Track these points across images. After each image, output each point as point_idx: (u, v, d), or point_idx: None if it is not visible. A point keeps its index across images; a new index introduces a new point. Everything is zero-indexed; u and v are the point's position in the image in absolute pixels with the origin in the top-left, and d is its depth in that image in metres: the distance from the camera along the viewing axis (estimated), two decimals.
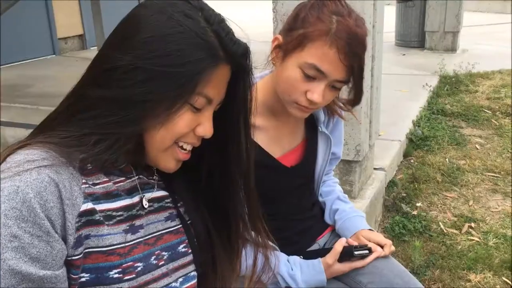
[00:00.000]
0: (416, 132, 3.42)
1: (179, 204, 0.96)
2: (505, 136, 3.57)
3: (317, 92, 1.15)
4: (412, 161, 3.22)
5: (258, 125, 1.29)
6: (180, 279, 0.92)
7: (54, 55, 6.73)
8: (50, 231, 0.73)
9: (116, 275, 0.81)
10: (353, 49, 1.12)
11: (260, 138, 1.29)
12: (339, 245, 1.31)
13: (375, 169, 2.74)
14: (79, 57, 6.59)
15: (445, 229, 2.56)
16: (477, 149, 3.41)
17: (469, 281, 2.21)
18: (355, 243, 1.36)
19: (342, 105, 1.41)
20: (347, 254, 1.29)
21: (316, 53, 1.13)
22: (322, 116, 1.40)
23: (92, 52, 6.83)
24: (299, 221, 1.46)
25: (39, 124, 0.86)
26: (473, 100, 4.21)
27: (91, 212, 0.79)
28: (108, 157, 0.79)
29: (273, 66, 1.29)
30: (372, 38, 2.30)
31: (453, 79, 4.64)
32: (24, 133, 3.70)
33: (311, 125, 1.42)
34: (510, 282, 2.18)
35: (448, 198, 2.85)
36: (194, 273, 0.96)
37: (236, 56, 0.83)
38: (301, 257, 1.39)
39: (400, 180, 2.97)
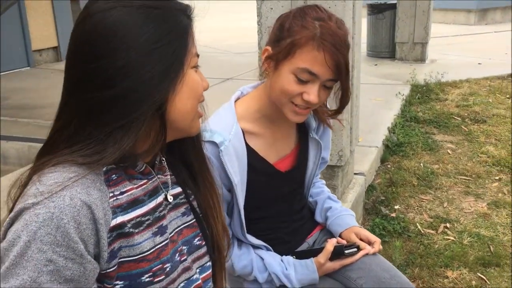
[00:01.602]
0: (391, 139, 3.57)
1: (191, 199, 1.03)
2: (475, 142, 3.75)
3: (312, 93, 1.25)
4: (389, 166, 3.36)
5: (254, 131, 1.38)
6: (198, 270, 0.98)
7: (28, 67, 6.68)
8: (83, 253, 0.78)
9: (148, 279, 0.87)
10: (338, 49, 1.22)
11: (256, 144, 1.38)
12: (330, 245, 1.39)
13: (355, 174, 2.86)
14: (54, 69, 6.56)
15: (422, 230, 2.70)
16: (449, 154, 3.58)
17: (447, 277, 2.33)
18: (345, 242, 1.46)
19: (330, 112, 1.51)
20: (337, 252, 1.38)
21: (306, 57, 1.23)
22: (313, 123, 1.50)
23: None
24: (290, 222, 1.54)
25: (45, 144, 0.88)
26: (443, 108, 4.40)
27: (121, 225, 0.83)
28: (126, 149, 0.82)
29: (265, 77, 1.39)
30: (351, 50, 2.43)
31: (424, 88, 4.83)
32: (5, 145, 3.69)
33: (302, 132, 1.51)
34: (484, 278, 2.32)
35: (424, 200, 2.99)
36: (209, 263, 1.02)
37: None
38: (294, 257, 1.47)
39: (379, 184, 3.09)
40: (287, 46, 1.26)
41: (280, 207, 1.51)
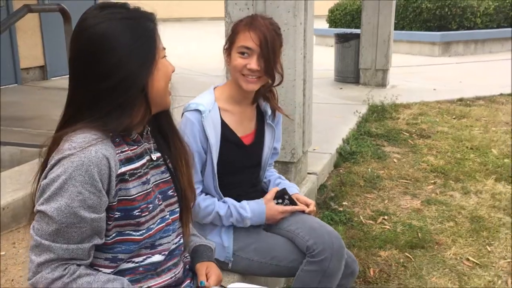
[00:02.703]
0: (345, 148, 4.07)
1: (167, 161, 1.47)
2: (418, 153, 4.28)
3: (252, 62, 1.76)
4: (341, 170, 3.85)
5: (226, 109, 1.89)
6: (169, 213, 1.41)
7: (16, 84, 7.06)
8: (101, 189, 1.18)
9: (137, 213, 1.27)
10: (260, 27, 1.76)
11: (228, 119, 1.88)
12: (274, 189, 1.90)
13: (308, 173, 3.33)
14: (40, 86, 6.97)
15: (364, 221, 3.17)
16: (395, 162, 4.09)
17: (380, 256, 2.79)
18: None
19: (279, 107, 2.02)
20: (280, 195, 1.86)
21: (242, 38, 1.78)
22: (268, 111, 1.99)
23: (52, 82, 7.24)
24: (248, 193, 1.97)
25: (64, 113, 1.28)
26: (395, 125, 4.94)
27: (123, 174, 1.23)
28: (127, 122, 1.24)
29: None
30: (303, 65, 2.94)
31: (380, 108, 5.39)
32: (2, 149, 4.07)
33: (261, 118, 2.01)
34: (410, 257, 2.79)
35: (368, 198, 3.47)
36: (178, 209, 1.45)
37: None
38: None
39: (330, 184, 3.58)
40: (231, 36, 1.83)
41: (242, 178, 1.98)
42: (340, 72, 7.34)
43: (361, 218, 3.19)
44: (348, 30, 7.22)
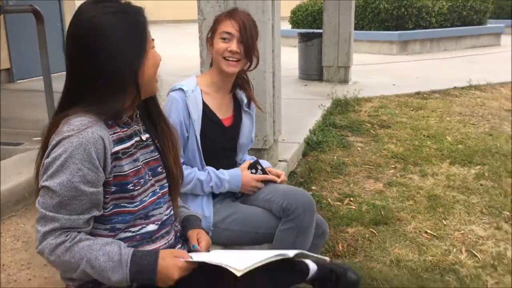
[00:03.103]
0: (312, 138, 4.32)
1: (156, 141, 1.66)
2: (379, 142, 4.58)
3: (233, 45, 1.98)
4: (309, 159, 4.10)
5: (208, 92, 2.09)
6: (159, 187, 1.58)
7: None
8: (98, 166, 1.33)
9: (131, 187, 1.43)
10: (239, 16, 2.01)
11: (209, 101, 2.09)
12: (248, 161, 2.15)
13: (280, 161, 3.56)
14: (7, 89, 6.95)
15: (332, 202, 3.41)
16: (358, 150, 4.37)
17: (347, 233, 3.04)
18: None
19: (254, 98, 2.24)
20: (253, 166, 2.08)
21: (223, 25, 2.03)
22: (244, 99, 2.20)
23: (19, 85, 7.23)
24: None
25: (61, 99, 1.44)
26: (357, 117, 5.24)
27: (117, 152, 1.40)
28: (118, 105, 1.42)
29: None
30: (272, 59, 3.17)
31: (343, 101, 5.68)
32: None
33: (237, 107, 2.22)
34: (375, 232, 3.04)
35: (335, 183, 3.73)
36: (166, 183, 1.63)
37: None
38: None
39: (300, 171, 3.82)
40: (213, 26, 2.08)
41: (220, 160, 2.18)
42: (304, 70, 7.62)
43: (329, 200, 3.44)
44: (311, 30, 7.50)
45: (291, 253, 1.50)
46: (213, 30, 2.08)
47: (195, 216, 1.80)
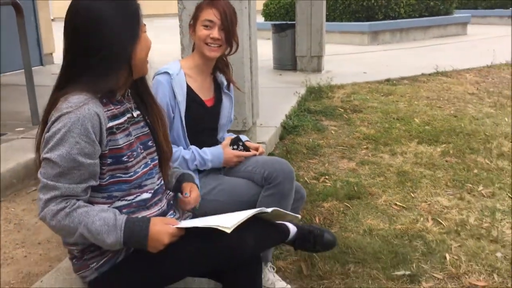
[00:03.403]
0: (288, 122, 4.53)
1: (146, 117, 1.83)
2: (352, 125, 4.82)
3: (214, 32, 2.15)
4: (286, 141, 4.30)
5: (190, 75, 2.25)
6: (150, 159, 1.74)
7: None
8: (94, 140, 1.48)
9: (125, 159, 1.59)
10: (220, 4, 2.18)
11: (192, 84, 2.26)
12: (229, 137, 2.33)
13: (258, 143, 3.74)
14: None
15: (309, 181, 3.62)
16: (332, 133, 4.60)
17: (323, 207, 3.25)
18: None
19: (233, 80, 2.42)
20: (235, 142, 2.26)
21: (205, 13, 2.18)
22: (224, 82, 2.38)
23: None
24: None
25: (60, 78, 1.58)
26: (331, 103, 5.47)
27: (111, 127, 1.54)
28: (112, 84, 1.56)
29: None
30: (250, 46, 3.35)
31: (317, 88, 5.91)
32: None
33: (217, 89, 2.39)
34: (349, 205, 3.26)
35: (311, 163, 3.94)
36: (156, 156, 1.80)
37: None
38: None
39: (277, 153, 4.02)
40: (195, 13, 2.23)
41: (203, 139, 2.35)
42: (278, 60, 7.82)
43: (306, 179, 3.65)
44: (284, 22, 7.70)
45: (269, 209, 1.73)
46: (195, 17, 2.23)
47: (188, 173, 1.99)
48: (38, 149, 1.57)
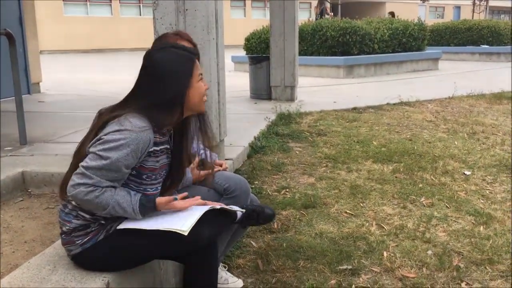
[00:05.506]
0: (256, 143, 4.96)
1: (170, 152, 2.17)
2: (315, 146, 5.26)
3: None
4: (253, 160, 4.72)
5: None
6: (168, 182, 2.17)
7: None
8: (139, 157, 1.86)
9: (144, 177, 1.95)
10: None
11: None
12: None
13: (226, 159, 4.16)
14: None
15: (271, 193, 4.02)
16: (297, 153, 5.03)
17: (282, 214, 3.63)
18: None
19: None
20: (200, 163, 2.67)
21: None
22: None
23: None
24: None
25: (124, 101, 1.98)
26: (298, 127, 5.93)
27: (151, 151, 1.91)
28: (168, 122, 1.97)
29: None
30: (217, 71, 3.81)
31: (286, 115, 6.38)
32: None
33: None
34: (305, 213, 3.66)
35: (274, 178, 4.35)
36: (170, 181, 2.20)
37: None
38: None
39: (244, 169, 4.43)
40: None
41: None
42: (255, 90, 8.32)
43: (268, 191, 4.05)
44: (260, 55, 8.24)
45: (217, 206, 2.14)
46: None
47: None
48: (81, 146, 1.95)
